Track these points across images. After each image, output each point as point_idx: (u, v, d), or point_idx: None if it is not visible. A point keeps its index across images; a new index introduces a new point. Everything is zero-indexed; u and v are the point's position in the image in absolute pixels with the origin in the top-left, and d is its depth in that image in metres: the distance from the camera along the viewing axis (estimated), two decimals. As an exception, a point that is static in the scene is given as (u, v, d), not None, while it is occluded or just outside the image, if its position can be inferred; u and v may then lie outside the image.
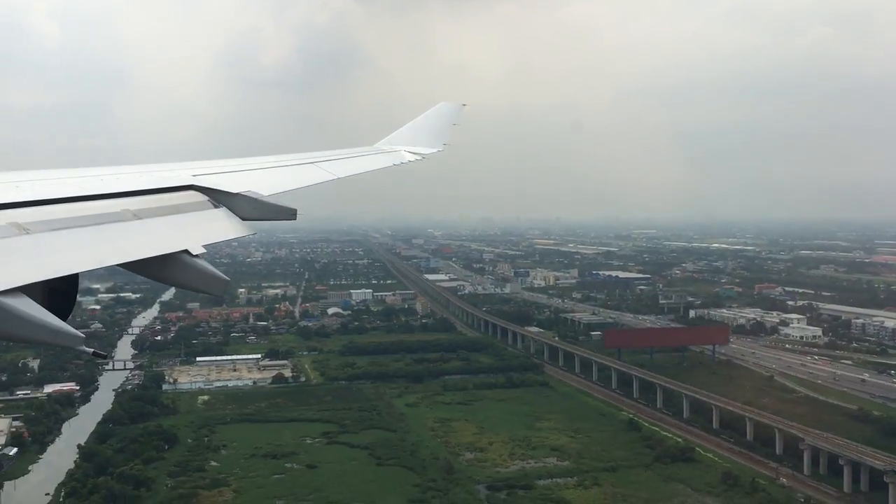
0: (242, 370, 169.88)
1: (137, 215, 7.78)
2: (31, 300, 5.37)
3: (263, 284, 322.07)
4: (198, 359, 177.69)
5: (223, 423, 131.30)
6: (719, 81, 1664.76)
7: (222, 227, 8.77)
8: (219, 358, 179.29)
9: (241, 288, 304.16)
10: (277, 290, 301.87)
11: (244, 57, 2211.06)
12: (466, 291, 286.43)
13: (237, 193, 9.43)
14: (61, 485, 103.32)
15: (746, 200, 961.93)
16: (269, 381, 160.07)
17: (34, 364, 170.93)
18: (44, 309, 5.39)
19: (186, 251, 7.46)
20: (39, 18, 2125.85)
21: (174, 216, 8.33)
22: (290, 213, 9.45)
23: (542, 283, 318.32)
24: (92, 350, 6.59)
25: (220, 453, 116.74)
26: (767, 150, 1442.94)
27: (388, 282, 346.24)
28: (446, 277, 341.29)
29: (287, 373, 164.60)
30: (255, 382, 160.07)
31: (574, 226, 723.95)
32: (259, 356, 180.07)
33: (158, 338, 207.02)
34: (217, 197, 9.34)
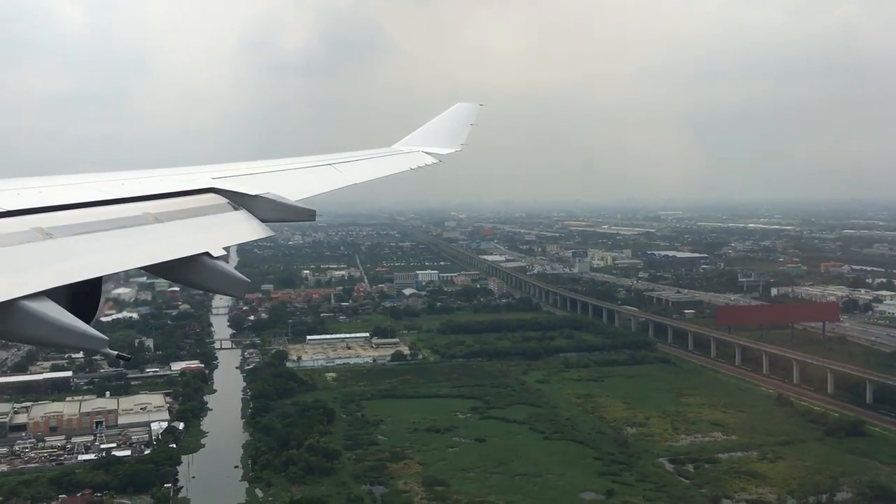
0: (356, 348, 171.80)
1: (158, 218, 7.89)
2: (55, 304, 5.49)
3: (322, 266, 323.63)
4: (308, 337, 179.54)
5: (366, 399, 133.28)
6: (741, 60, 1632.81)
7: (242, 228, 8.91)
8: (328, 336, 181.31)
9: (305, 270, 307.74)
10: (342, 272, 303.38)
11: (265, 42, 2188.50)
12: (535, 272, 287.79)
13: (256, 195, 9.54)
14: (247, 457, 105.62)
15: (765, 180, 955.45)
16: (389, 358, 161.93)
17: (148, 342, 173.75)
18: (68, 312, 5.50)
19: (207, 253, 7.53)
20: (63, 3, 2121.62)
21: (195, 219, 8.43)
22: (310, 215, 9.70)
23: (601, 264, 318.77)
24: (116, 353, 6.74)
25: (380, 427, 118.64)
26: (789, 128, 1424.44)
27: (442, 263, 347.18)
28: (502, 258, 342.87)
29: (400, 350, 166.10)
30: (374, 360, 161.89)
31: (596, 207, 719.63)
32: (367, 335, 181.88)
33: (252, 318, 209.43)
34: (237, 199, 9.45)
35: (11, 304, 5.22)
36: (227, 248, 8.03)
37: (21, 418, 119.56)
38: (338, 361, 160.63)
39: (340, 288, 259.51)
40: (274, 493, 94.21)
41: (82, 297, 6.53)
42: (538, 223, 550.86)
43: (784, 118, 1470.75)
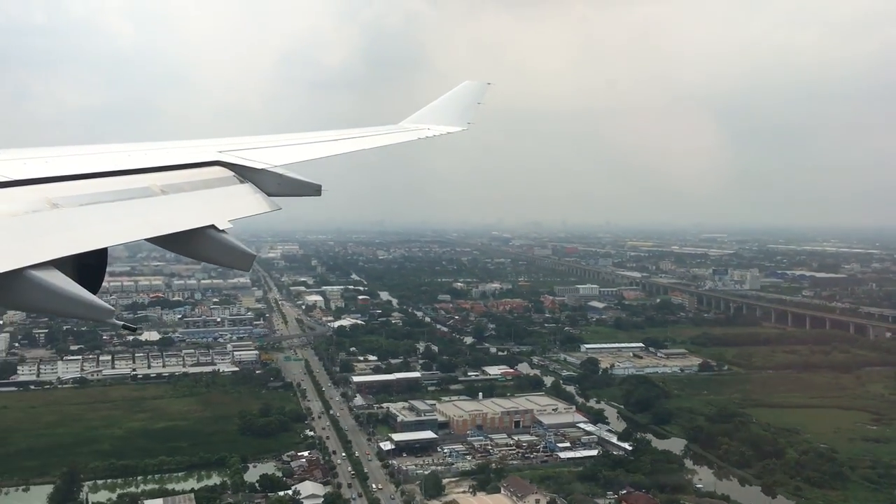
0: (647, 358, 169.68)
1: (165, 190, 7.87)
2: (61, 274, 5.43)
3: (459, 280, 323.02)
4: (584, 346, 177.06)
5: (741, 408, 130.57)
6: (784, 84, 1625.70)
7: (248, 202, 8.87)
8: (604, 345, 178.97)
9: (458, 283, 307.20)
10: (494, 286, 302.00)
11: (306, 59, 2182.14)
12: (706, 287, 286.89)
13: (262, 169, 9.53)
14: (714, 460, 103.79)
15: (793, 204, 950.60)
16: (696, 368, 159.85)
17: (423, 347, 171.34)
18: (74, 283, 5.45)
19: (213, 226, 7.45)
20: (115, 18, 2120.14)
21: (201, 191, 8.43)
22: (315, 189, 9.55)
23: (741, 281, 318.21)
24: (122, 323, 6.57)
25: (800, 435, 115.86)
26: (821, 152, 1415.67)
27: (571, 278, 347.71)
28: (639, 275, 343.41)
29: (707, 361, 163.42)
30: (681, 370, 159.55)
31: (628, 229, 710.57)
32: (641, 344, 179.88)
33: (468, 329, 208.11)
34: (243, 172, 9.43)
35: (19, 273, 5.17)
36: (235, 222, 7.82)
37: (438, 416, 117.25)
38: (647, 370, 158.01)
39: (527, 301, 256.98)
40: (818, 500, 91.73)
41: (88, 267, 6.49)
42: (598, 243, 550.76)
43: (818, 142, 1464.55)
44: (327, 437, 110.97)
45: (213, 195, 8.49)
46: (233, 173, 9.27)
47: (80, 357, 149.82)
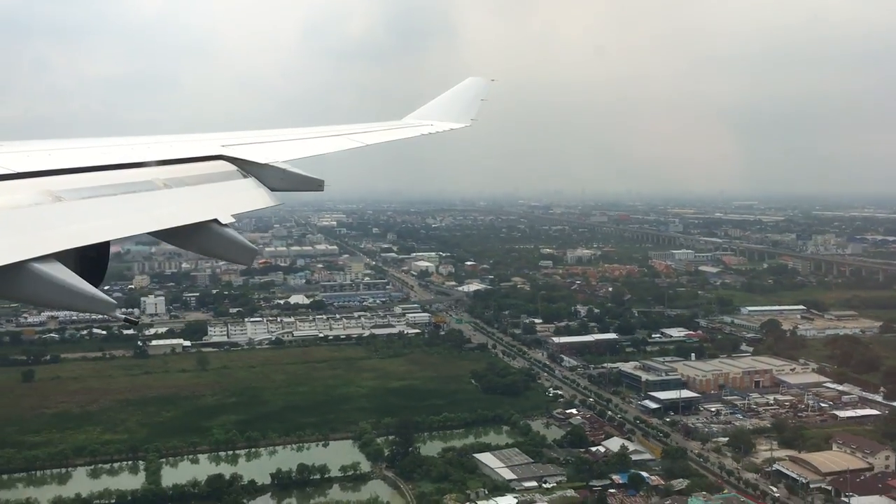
0: (818, 320, 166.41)
1: (168, 184, 7.80)
2: (64, 267, 5.36)
3: (542, 247, 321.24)
4: (747, 309, 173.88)
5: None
6: (816, 48, 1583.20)
7: (251, 196, 8.82)
8: (763, 308, 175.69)
9: (546, 249, 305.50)
10: (584, 252, 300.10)
11: (330, 28, 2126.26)
12: (808, 252, 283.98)
13: (265, 164, 9.46)
14: None
15: (805, 174, 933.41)
16: (877, 330, 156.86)
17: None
18: (77, 276, 5.37)
19: (216, 220, 7.31)
20: None
21: (204, 185, 8.32)
22: (318, 185, 9.56)
23: (843, 245, 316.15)
24: (124, 316, 6.49)
25: None
26: (845, 122, 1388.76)
27: (647, 244, 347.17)
28: (720, 240, 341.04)
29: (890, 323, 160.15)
30: (862, 331, 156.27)
31: (653, 198, 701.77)
32: (801, 307, 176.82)
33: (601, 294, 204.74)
34: (246, 167, 9.34)
35: (21, 266, 5.18)
36: (235, 215, 7.69)
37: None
38: (829, 332, 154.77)
39: (637, 266, 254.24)
40: None
41: (91, 260, 6.52)
42: (633, 210, 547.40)
43: (841, 112, 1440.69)
44: (572, 396, 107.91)
45: (215, 189, 8.41)
46: (236, 168, 9.21)
47: (260, 318, 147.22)
